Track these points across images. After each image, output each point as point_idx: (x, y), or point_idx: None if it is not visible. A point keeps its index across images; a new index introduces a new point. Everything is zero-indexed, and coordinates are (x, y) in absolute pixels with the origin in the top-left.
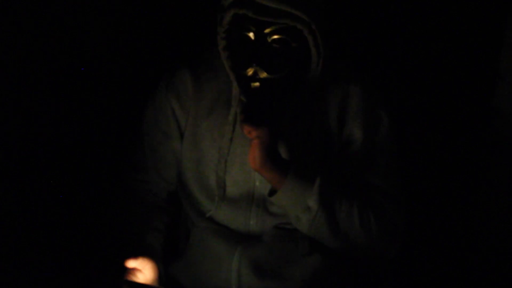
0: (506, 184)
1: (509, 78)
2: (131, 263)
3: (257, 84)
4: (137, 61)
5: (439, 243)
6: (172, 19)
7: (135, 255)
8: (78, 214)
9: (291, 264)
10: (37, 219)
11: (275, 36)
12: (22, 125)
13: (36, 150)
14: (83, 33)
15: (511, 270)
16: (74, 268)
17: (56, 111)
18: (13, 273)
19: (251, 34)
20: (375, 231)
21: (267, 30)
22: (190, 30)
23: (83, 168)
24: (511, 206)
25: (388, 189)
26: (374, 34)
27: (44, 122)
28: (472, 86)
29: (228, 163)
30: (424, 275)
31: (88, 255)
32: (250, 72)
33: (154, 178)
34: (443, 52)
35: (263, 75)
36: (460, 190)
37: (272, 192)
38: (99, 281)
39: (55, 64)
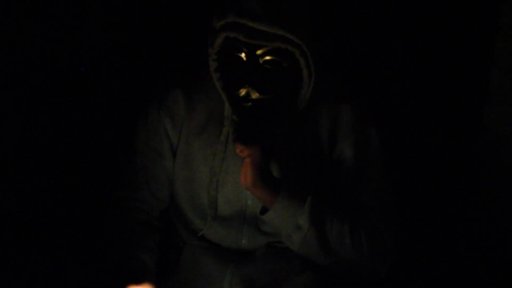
0: (495, 195)
1: (498, 96)
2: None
3: (249, 104)
4: (136, 62)
5: (431, 245)
6: (170, 23)
7: (136, 280)
8: (74, 224)
9: (283, 282)
10: (33, 229)
11: (267, 57)
12: (22, 125)
13: (35, 151)
14: (83, 33)
15: (502, 271)
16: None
17: (56, 112)
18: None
19: (243, 55)
20: (366, 250)
21: (259, 52)
22: (186, 39)
23: (82, 169)
24: (500, 213)
25: (379, 208)
26: (364, 46)
27: (44, 123)
28: (462, 104)
29: (220, 182)
30: (420, 277)
31: (85, 274)
32: (242, 92)
33: (146, 197)
34: (433, 72)
35: (255, 95)
36: (451, 199)
37: (264, 211)
38: None
39: (55, 64)
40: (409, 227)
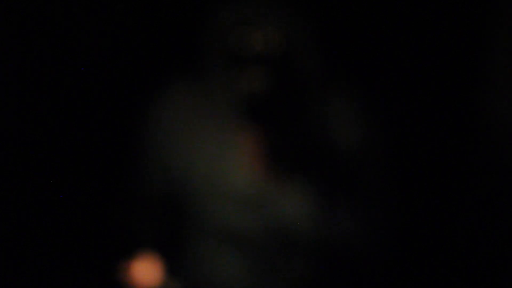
0: (492, 189)
1: (496, 79)
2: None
3: (257, 88)
4: (136, 61)
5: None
6: (170, 21)
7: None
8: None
9: (291, 264)
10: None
11: (274, 41)
12: (22, 125)
13: (36, 150)
14: (83, 33)
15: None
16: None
17: (56, 112)
18: (13, 273)
19: (250, 41)
20: (368, 229)
21: (264, 40)
22: (189, 33)
23: (82, 169)
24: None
25: (380, 189)
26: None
27: (44, 123)
28: (459, 90)
29: (228, 165)
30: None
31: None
32: (249, 77)
33: (155, 180)
34: (426, 61)
35: (263, 80)
36: (452, 195)
37: (272, 192)
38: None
39: (55, 64)
40: (409, 223)
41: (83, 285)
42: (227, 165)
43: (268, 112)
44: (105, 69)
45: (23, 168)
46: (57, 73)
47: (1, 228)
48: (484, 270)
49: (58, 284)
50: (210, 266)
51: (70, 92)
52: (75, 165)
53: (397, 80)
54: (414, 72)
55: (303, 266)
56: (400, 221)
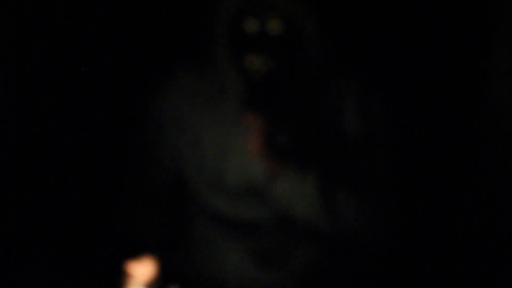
0: (500, 183)
1: (502, 70)
2: (130, 263)
3: (259, 73)
4: (136, 59)
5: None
6: (170, 14)
7: (133, 253)
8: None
9: (292, 253)
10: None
11: (276, 26)
12: (22, 125)
13: (36, 150)
14: (82, 33)
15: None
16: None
17: (56, 111)
18: (14, 272)
19: (251, 25)
20: (371, 219)
21: (267, 21)
22: (189, 23)
23: (82, 168)
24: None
25: (385, 179)
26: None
27: (44, 122)
28: (465, 82)
29: (229, 153)
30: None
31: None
32: (252, 62)
33: (155, 170)
34: (434, 49)
35: (265, 64)
36: (454, 189)
37: (273, 180)
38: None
39: (55, 64)
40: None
41: (85, 284)
42: (232, 154)
43: (273, 101)
44: (110, 57)
45: (25, 168)
46: (62, 58)
47: (2, 228)
48: (484, 269)
49: (61, 283)
50: (215, 256)
51: (71, 84)
52: (76, 160)
53: (401, 74)
54: (419, 68)
55: (307, 256)
56: (405, 214)
